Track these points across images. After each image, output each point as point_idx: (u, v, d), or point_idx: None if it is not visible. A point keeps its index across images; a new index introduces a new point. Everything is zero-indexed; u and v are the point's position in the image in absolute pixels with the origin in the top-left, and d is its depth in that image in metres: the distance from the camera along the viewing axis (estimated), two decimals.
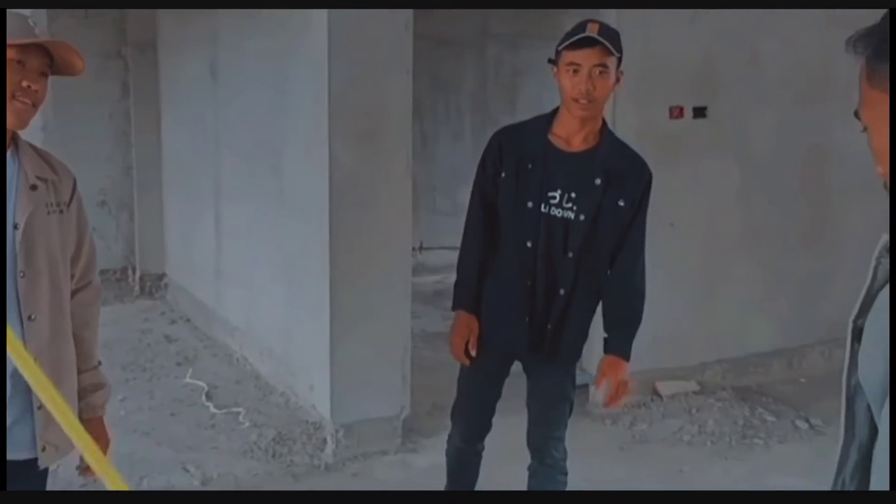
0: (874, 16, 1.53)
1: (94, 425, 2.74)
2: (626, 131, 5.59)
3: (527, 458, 3.88)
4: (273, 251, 5.99)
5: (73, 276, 2.69)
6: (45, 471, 2.67)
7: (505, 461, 4.22)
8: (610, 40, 3.28)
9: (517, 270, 3.50)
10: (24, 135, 2.61)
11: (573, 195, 3.41)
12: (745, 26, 5.80)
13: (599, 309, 3.71)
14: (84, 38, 7.76)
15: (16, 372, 2.41)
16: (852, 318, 1.61)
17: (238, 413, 5.67)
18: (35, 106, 2.47)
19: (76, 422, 1.66)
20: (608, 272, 3.57)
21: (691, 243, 5.94)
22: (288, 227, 5.69)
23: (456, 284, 3.71)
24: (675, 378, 5.98)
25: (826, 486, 1.70)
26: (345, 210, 4.98)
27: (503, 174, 3.50)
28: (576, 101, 3.32)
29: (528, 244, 3.46)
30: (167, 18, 7.80)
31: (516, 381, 3.83)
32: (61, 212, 2.61)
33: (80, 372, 2.73)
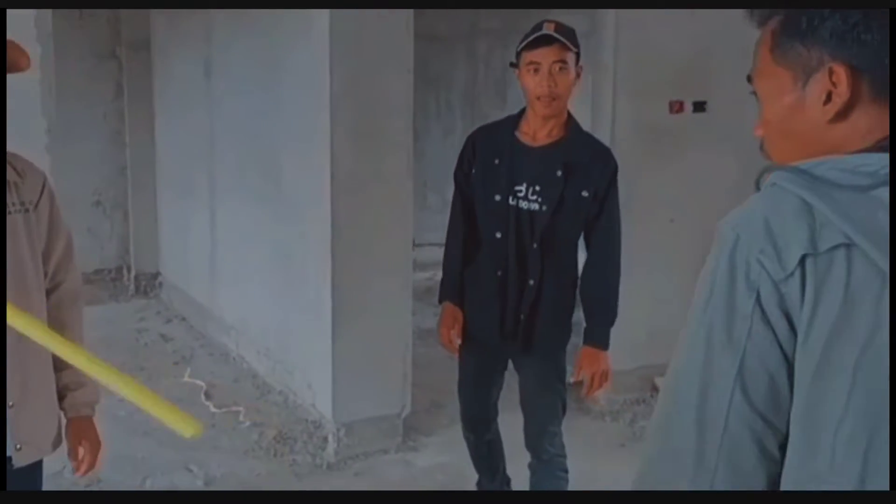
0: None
1: (78, 425, 2.70)
2: (625, 126, 5.63)
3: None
4: (270, 250, 5.97)
5: (45, 275, 2.63)
6: (40, 470, 2.64)
7: (509, 459, 4.22)
8: (566, 37, 3.41)
9: (489, 261, 3.65)
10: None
11: (538, 188, 3.52)
12: (744, 19, 5.78)
13: None
14: (77, 38, 7.75)
15: None
16: None
17: (238, 412, 5.65)
18: None
19: (98, 362, 1.59)
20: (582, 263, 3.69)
21: (691, 239, 5.91)
22: (286, 225, 5.67)
23: (442, 278, 3.87)
24: None
25: None
26: (346, 208, 4.97)
27: (474, 170, 3.66)
28: (539, 98, 3.45)
29: (498, 235, 3.59)
30: (161, 18, 7.76)
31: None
32: (27, 211, 2.53)
33: (59, 370, 2.66)
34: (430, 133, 9.47)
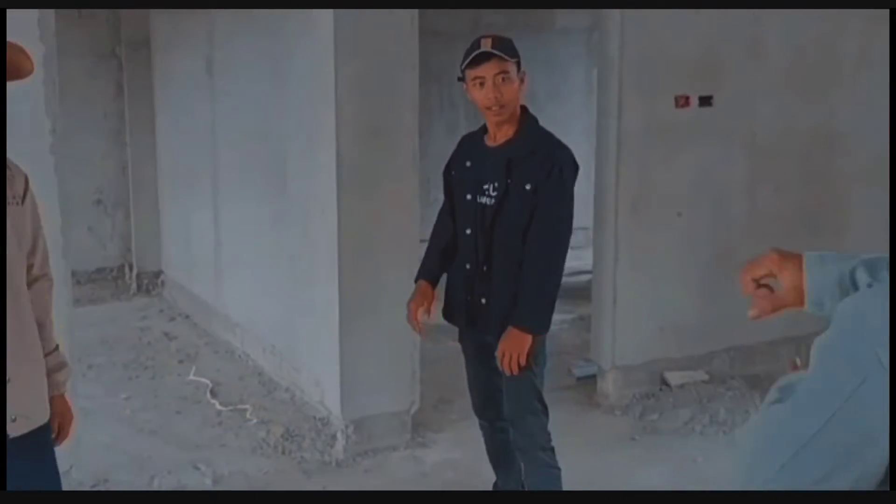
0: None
1: (59, 402, 2.94)
2: (632, 121, 5.60)
3: None
4: (275, 247, 5.94)
5: (31, 267, 2.80)
6: (46, 437, 2.83)
7: None
8: (503, 50, 3.64)
9: (462, 257, 3.91)
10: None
11: (495, 184, 3.75)
12: (748, 14, 5.76)
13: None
14: (77, 38, 7.71)
15: None
16: None
17: (244, 410, 5.61)
18: None
19: None
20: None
21: (699, 232, 5.91)
22: (292, 222, 5.64)
23: (421, 262, 4.13)
24: (684, 368, 5.95)
25: None
26: (352, 205, 4.94)
27: (453, 172, 3.99)
28: (489, 108, 3.69)
29: (468, 231, 3.85)
30: (161, 17, 7.73)
31: None
32: (18, 204, 2.69)
33: (44, 355, 2.85)
34: (433, 129, 9.43)
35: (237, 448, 5.16)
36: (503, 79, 3.63)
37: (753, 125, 5.99)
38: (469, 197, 3.82)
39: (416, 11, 4.96)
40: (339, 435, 5.05)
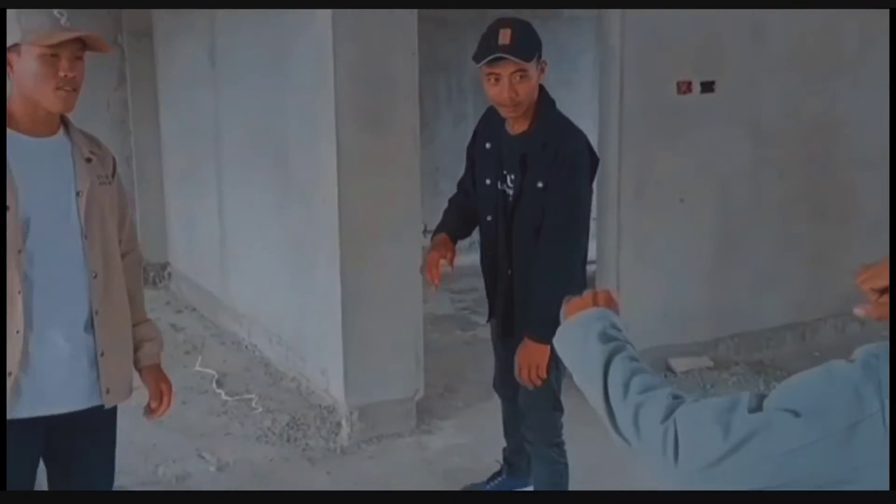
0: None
1: (152, 371, 3.06)
2: (633, 108, 5.60)
3: None
4: (280, 237, 5.94)
5: (120, 242, 2.96)
6: (114, 414, 3.00)
7: None
8: (522, 49, 3.36)
9: (483, 245, 3.81)
10: None
11: (512, 176, 3.59)
12: None
13: None
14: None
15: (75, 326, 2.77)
16: None
17: (250, 399, 5.62)
18: (76, 90, 2.71)
19: None
20: None
21: (702, 218, 5.91)
22: (295, 211, 5.65)
23: (439, 221, 3.95)
24: (688, 354, 5.96)
25: None
26: (353, 192, 4.92)
27: (475, 150, 3.81)
28: (503, 106, 3.47)
29: (489, 218, 3.71)
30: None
31: None
32: (109, 183, 2.88)
33: (134, 325, 3.00)
34: (441, 118, 9.42)
35: (242, 436, 5.17)
36: (520, 77, 3.38)
37: (756, 111, 5.98)
38: (489, 182, 3.67)
39: None
40: (343, 422, 5.06)
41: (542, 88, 3.56)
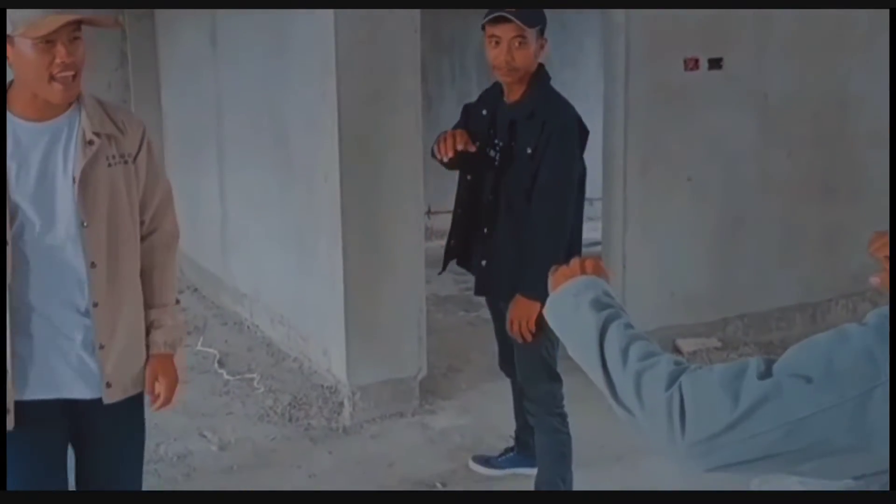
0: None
1: (158, 362, 2.86)
2: (639, 85, 5.53)
3: None
4: (281, 217, 5.90)
5: (143, 223, 2.83)
6: (139, 404, 2.88)
7: None
8: (526, 14, 3.57)
9: (457, 200, 3.96)
10: None
11: (500, 143, 3.74)
12: None
13: None
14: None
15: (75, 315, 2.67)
16: None
17: (252, 379, 5.58)
18: (77, 74, 2.57)
19: None
20: None
21: (709, 198, 5.84)
22: (297, 192, 5.60)
23: None
24: (696, 335, 5.89)
25: None
26: (355, 173, 4.88)
27: (473, 111, 3.97)
28: (498, 69, 3.63)
29: (468, 178, 3.87)
30: None
31: None
32: (126, 163, 2.72)
33: (148, 307, 2.86)
34: (445, 99, 9.33)
35: (244, 416, 5.13)
36: (519, 43, 3.56)
37: (765, 88, 5.90)
38: (478, 143, 3.75)
39: None
40: (345, 402, 5.02)
41: (541, 66, 3.72)
